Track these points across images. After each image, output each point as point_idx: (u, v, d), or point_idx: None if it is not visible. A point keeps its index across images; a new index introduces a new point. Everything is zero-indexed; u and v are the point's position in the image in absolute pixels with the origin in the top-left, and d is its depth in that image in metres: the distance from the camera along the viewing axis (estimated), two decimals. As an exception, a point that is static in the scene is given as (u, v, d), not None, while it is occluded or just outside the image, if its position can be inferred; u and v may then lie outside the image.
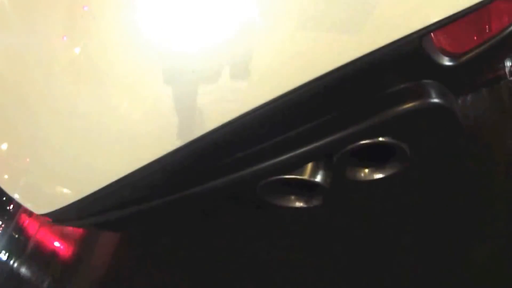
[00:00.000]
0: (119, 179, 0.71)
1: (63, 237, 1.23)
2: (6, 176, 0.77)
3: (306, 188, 0.82)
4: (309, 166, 0.76)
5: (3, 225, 1.27)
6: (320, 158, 0.77)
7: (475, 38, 0.66)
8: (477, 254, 0.90)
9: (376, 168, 0.80)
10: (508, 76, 0.82)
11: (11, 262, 1.22)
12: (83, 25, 0.66)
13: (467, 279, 0.88)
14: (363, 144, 0.72)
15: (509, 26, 0.66)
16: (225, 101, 0.65)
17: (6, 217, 1.26)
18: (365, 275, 0.94)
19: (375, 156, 0.79)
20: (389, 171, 0.80)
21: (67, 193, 0.75)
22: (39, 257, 1.23)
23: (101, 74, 0.68)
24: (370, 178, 0.80)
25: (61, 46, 0.70)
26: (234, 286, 0.96)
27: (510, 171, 0.94)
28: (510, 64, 0.82)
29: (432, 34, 0.62)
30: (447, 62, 0.65)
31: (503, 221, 0.91)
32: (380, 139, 0.72)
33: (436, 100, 0.66)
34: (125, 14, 0.64)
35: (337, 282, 0.95)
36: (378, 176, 0.80)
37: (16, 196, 0.77)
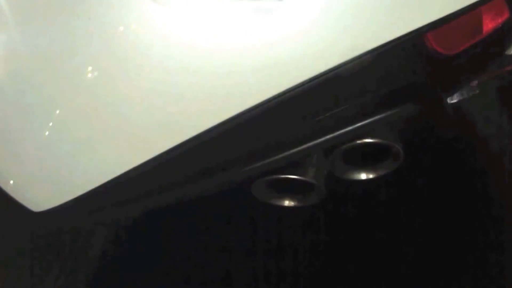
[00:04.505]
0: (116, 177, 0.71)
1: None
2: (1, 172, 0.77)
3: (300, 188, 0.83)
4: (304, 165, 0.77)
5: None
6: (315, 158, 0.77)
7: (468, 39, 0.67)
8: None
9: (370, 168, 0.81)
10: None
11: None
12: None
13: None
14: (357, 144, 0.73)
15: (500, 27, 0.67)
16: (220, 100, 0.66)
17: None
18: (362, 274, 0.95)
19: (370, 156, 0.80)
20: (383, 171, 0.80)
21: (67, 189, 0.75)
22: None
23: (103, 71, 0.68)
24: (363, 177, 0.81)
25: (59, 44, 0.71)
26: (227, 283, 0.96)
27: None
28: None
29: (424, 35, 0.63)
30: (439, 62, 0.65)
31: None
32: (374, 139, 0.73)
33: (418, 104, 0.67)
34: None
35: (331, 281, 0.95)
36: (372, 176, 0.81)
37: (11, 192, 0.77)
